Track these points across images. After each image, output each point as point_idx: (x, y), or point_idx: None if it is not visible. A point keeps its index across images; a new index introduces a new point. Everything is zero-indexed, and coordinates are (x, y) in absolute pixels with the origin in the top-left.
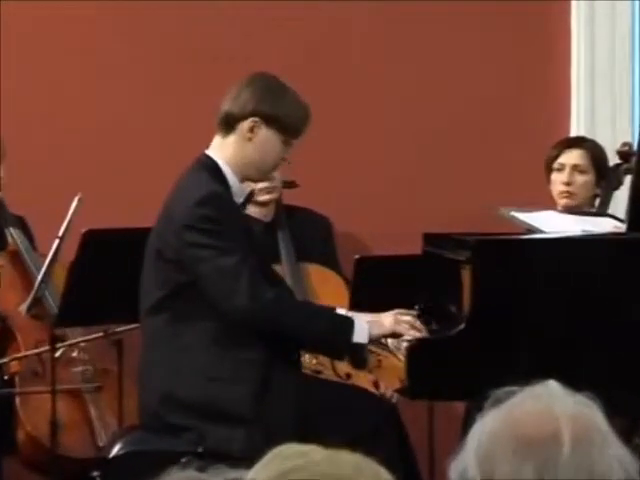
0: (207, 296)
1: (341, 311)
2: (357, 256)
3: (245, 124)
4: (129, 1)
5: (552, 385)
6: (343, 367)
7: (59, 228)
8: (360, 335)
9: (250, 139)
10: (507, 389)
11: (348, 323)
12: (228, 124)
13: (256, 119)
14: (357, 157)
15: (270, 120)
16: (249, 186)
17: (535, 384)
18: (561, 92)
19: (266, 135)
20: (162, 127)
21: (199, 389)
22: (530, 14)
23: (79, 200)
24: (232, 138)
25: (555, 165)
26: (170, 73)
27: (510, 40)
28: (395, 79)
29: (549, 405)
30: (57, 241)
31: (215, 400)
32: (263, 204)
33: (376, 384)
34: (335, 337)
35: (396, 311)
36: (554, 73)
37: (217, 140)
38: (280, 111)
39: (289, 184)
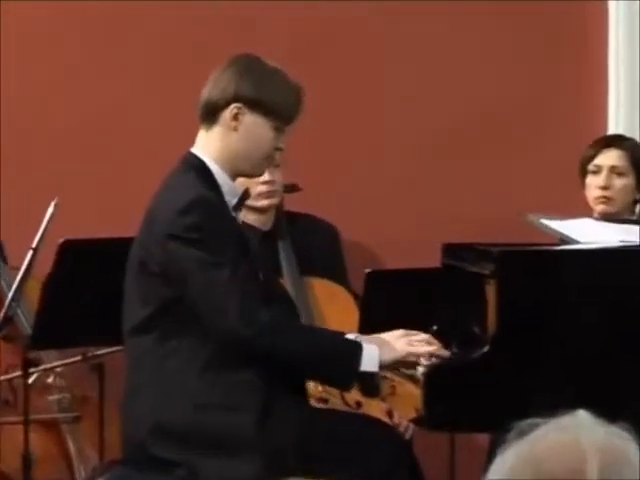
0: (198, 314)
1: (350, 336)
2: (368, 269)
3: (227, 112)
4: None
5: (581, 415)
6: (353, 395)
7: (33, 238)
8: (369, 363)
9: (235, 128)
10: (531, 421)
11: (355, 350)
12: (209, 114)
13: (239, 105)
14: (367, 157)
15: (254, 104)
16: (242, 184)
17: (563, 414)
18: (597, 90)
19: (252, 122)
20: (147, 126)
21: (191, 417)
22: (565, 14)
23: (55, 206)
24: (216, 130)
25: (591, 167)
26: (156, 72)
27: (543, 40)
28: (416, 76)
29: (576, 437)
30: (30, 252)
31: (209, 429)
32: (261, 210)
33: (390, 414)
34: (340, 367)
35: (406, 332)
36: (590, 71)
37: (201, 135)
38: (264, 93)
39: (290, 188)
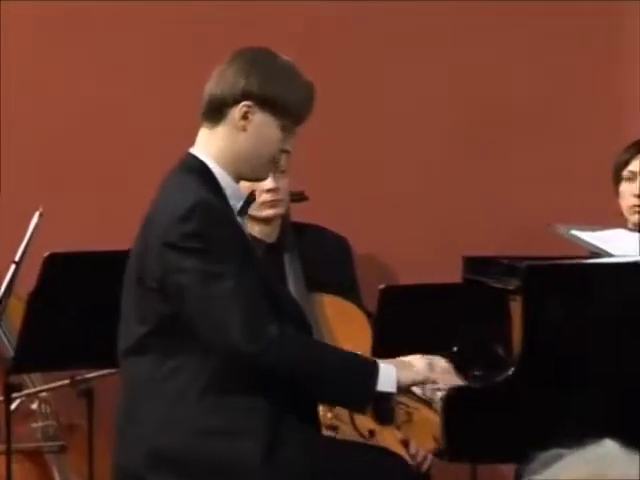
0: (196, 331)
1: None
2: (382, 285)
3: (236, 111)
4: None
5: (608, 445)
6: (365, 422)
7: (15, 251)
8: (386, 383)
9: (244, 128)
10: (555, 451)
11: (371, 368)
12: (214, 112)
13: (249, 103)
14: (379, 163)
15: (264, 102)
16: (247, 188)
17: (590, 443)
18: (630, 92)
19: (261, 121)
20: (139, 131)
21: (191, 444)
22: (600, 15)
23: (40, 215)
24: (220, 129)
25: (625, 173)
26: (151, 76)
27: (572, 41)
28: (432, 81)
29: (601, 468)
30: (13, 267)
31: (211, 457)
32: (265, 221)
33: (405, 443)
34: (355, 386)
35: (427, 357)
36: (622, 72)
37: (203, 133)
38: (274, 90)
39: (297, 196)
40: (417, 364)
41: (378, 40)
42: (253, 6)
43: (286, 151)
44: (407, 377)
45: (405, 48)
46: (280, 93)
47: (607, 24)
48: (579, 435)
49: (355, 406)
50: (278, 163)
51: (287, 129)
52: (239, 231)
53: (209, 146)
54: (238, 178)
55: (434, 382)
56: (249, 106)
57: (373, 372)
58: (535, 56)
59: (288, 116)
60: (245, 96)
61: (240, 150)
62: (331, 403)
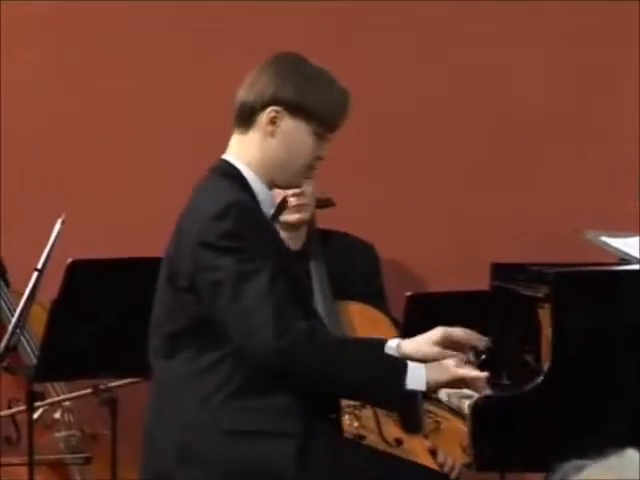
0: (226, 330)
1: (390, 343)
2: (409, 293)
3: (264, 116)
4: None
5: (629, 455)
6: (392, 431)
7: (38, 258)
8: (415, 381)
9: (272, 133)
10: (578, 462)
11: (401, 366)
12: (245, 118)
13: (277, 108)
14: (407, 170)
15: (295, 108)
16: (279, 194)
17: (612, 454)
18: None
19: (292, 127)
20: (161, 139)
21: (224, 445)
22: (620, 15)
23: (62, 223)
24: (251, 135)
25: None
26: (173, 78)
27: (600, 48)
28: (459, 86)
29: (623, 475)
30: (35, 275)
31: (244, 459)
32: (291, 226)
33: (433, 452)
34: (385, 382)
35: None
36: None
37: (234, 139)
38: (306, 96)
39: (324, 202)
40: (447, 363)
41: (405, 44)
42: (261, 7)
43: (320, 158)
44: (436, 376)
45: (434, 53)
46: (314, 100)
47: (627, 25)
48: (611, 445)
49: (385, 403)
50: (313, 170)
51: (321, 136)
52: (272, 231)
53: (241, 152)
54: (271, 185)
55: (463, 382)
56: (277, 111)
57: (402, 370)
58: (555, 67)
59: (322, 123)
60: (274, 101)
61: (272, 157)
62: (360, 399)
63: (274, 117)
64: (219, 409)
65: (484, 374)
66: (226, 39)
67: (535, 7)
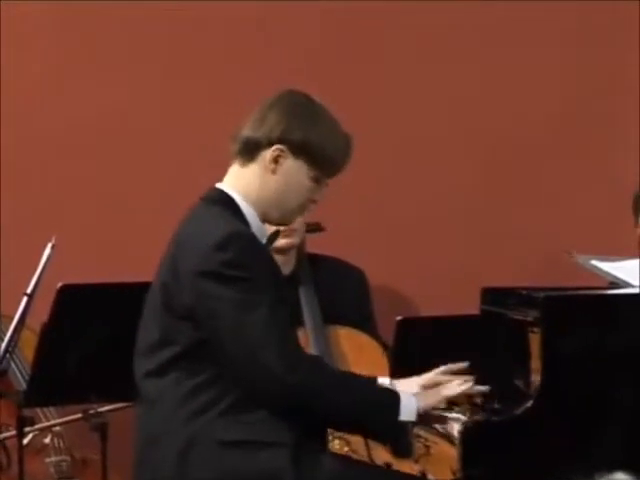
0: (226, 358)
1: (382, 380)
2: (399, 317)
3: (268, 153)
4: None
5: (619, 478)
6: (382, 455)
7: (27, 283)
8: (407, 412)
9: (273, 171)
10: None
11: (393, 398)
12: (248, 152)
13: (282, 147)
14: (397, 196)
15: (299, 150)
16: (270, 228)
17: (602, 477)
18: None
19: (293, 167)
20: (157, 160)
21: (223, 456)
22: (620, 34)
23: (53, 247)
24: (251, 168)
25: None
26: (171, 98)
27: (598, 68)
28: (449, 109)
29: None
30: (25, 299)
31: (245, 469)
32: (279, 251)
33: (423, 476)
34: (380, 416)
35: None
36: None
37: (233, 170)
38: (312, 139)
39: (314, 227)
40: (432, 388)
41: (399, 63)
42: (264, 19)
43: (314, 201)
44: (425, 403)
45: (422, 77)
46: (318, 144)
47: (627, 25)
48: (594, 468)
49: (378, 436)
50: (304, 212)
51: (319, 180)
52: (272, 260)
53: (238, 182)
54: (263, 219)
55: (450, 399)
56: (282, 150)
57: (395, 403)
58: (552, 86)
59: (322, 167)
60: (281, 140)
61: (269, 193)
62: (354, 432)
63: (278, 156)
64: (213, 422)
65: (468, 385)
66: (227, 57)
67: (535, 9)
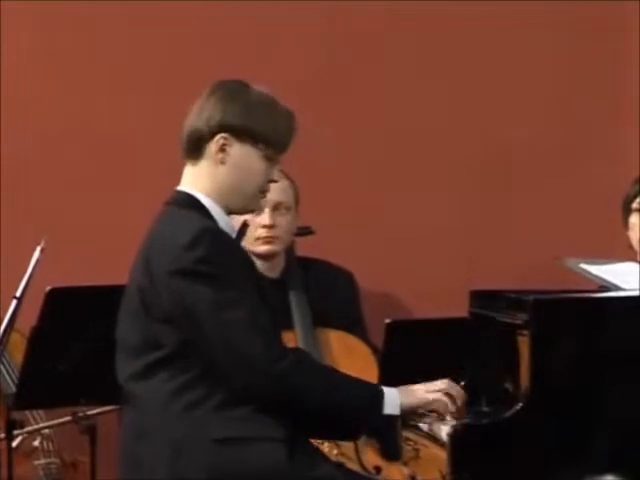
0: (212, 357)
1: None
2: (388, 320)
3: (213, 144)
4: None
5: None
6: (372, 459)
7: (17, 286)
8: (391, 406)
9: (222, 161)
10: None
11: (377, 392)
12: (194, 147)
13: (225, 135)
14: (387, 198)
15: (242, 133)
16: (237, 220)
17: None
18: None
19: (241, 152)
20: (144, 162)
21: (217, 454)
22: (612, 54)
23: (42, 250)
24: (203, 164)
25: (635, 205)
26: (161, 103)
27: (585, 77)
28: (441, 114)
29: None
30: (14, 302)
31: (240, 465)
32: (262, 257)
33: (413, 479)
34: (364, 409)
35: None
36: (630, 103)
37: (187, 170)
38: (253, 120)
39: (303, 230)
40: (417, 390)
41: (390, 72)
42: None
43: (273, 181)
44: (408, 401)
45: (416, 84)
46: (259, 124)
47: (617, 60)
48: (584, 472)
49: (364, 429)
50: (266, 193)
51: (271, 159)
52: (246, 256)
53: (195, 182)
54: (228, 211)
55: (436, 409)
56: (225, 138)
57: (379, 397)
58: (542, 94)
59: (269, 146)
60: (222, 128)
61: (225, 184)
62: (337, 425)
63: (223, 144)
64: (205, 419)
65: (452, 399)
66: (226, 58)
67: (534, 9)
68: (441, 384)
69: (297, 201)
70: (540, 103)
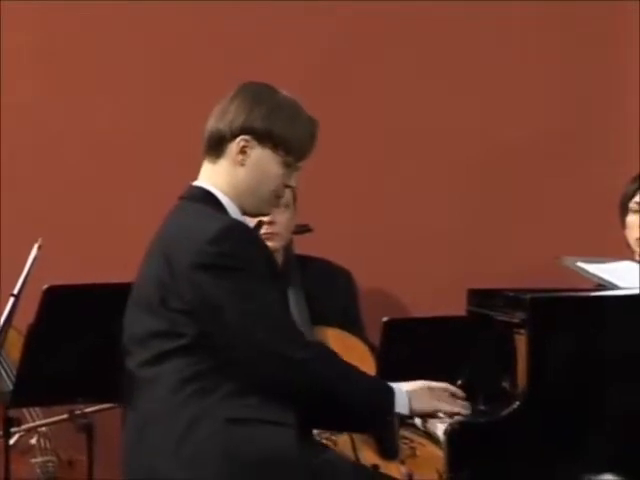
0: (237, 348)
1: None
2: (385, 318)
3: (234, 145)
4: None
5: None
6: (369, 457)
7: (14, 284)
8: (401, 405)
9: (242, 162)
10: None
11: (389, 390)
12: (215, 147)
13: (247, 137)
14: (385, 197)
15: (264, 137)
16: (252, 220)
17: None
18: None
19: (261, 156)
20: (142, 161)
21: (228, 433)
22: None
23: (39, 248)
24: (222, 163)
25: (632, 205)
26: (156, 101)
27: (584, 74)
28: (439, 115)
29: None
30: (12, 300)
31: (251, 445)
32: None
33: (410, 477)
34: (378, 403)
35: (429, 384)
36: (630, 104)
37: (205, 167)
38: (275, 125)
39: (301, 228)
40: (426, 395)
41: (389, 75)
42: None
43: (289, 186)
44: (419, 405)
45: (416, 83)
46: (282, 129)
47: (616, 61)
48: (582, 471)
49: (374, 423)
50: (281, 199)
51: (289, 165)
52: (268, 252)
53: (213, 179)
54: (242, 211)
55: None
56: (247, 140)
57: (390, 394)
58: (542, 95)
59: (289, 152)
60: (244, 131)
61: (241, 185)
62: (351, 420)
63: (244, 146)
64: (213, 404)
65: (464, 410)
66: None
67: (533, 10)
68: (446, 387)
69: (295, 198)
70: (540, 103)
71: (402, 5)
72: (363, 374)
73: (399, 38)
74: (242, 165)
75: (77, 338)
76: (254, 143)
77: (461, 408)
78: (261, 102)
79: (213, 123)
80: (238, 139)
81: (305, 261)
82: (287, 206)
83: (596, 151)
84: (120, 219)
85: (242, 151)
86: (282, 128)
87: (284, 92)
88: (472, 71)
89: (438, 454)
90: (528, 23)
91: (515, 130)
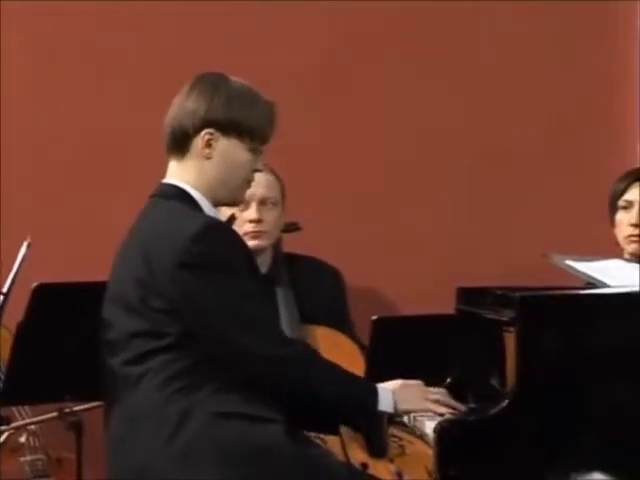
0: (223, 345)
1: None
2: (374, 316)
3: (199, 140)
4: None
5: (598, 478)
6: (358, 455)
7: (3, 282)
8: (385, 403)
9: (209, 156)
10: None
11: (372, 387)
12: (180, 143)
13: (211, 130)
14: (374, 195)
15: (227, 127)
16: (223, 213)
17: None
18: (629, 118)
19: (227, 146)
20: (131, 159)
21: (218, 426)
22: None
23: (28, 246)
24: (189, 159)
25: (621, 203)
26: (146, 100)
27: (573, 71)
28: (431, 111)
29: None
30: (1, 298)
31: (240, 439)
32: (253, 252)
33: (399, 476)
34: (360, 402)
35: (419, 384)
36: (621, 98)
37: (173, 165)
38: (237, 114)
39: (290, 227)
40: (414, 394)
41: (380, 73)
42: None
43: (258, 170)
44: (404, 405)
45: (408, 81)
46: (243, 116)
47: (610, 63)
48: (571, 469)
49: (356, 422)
50: (251, 182)
51: (255, 150)
52: (248, 250)
53: (182, 175)
54: (215, 204)
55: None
56: (211, 133)
57: (374, 393)
58: (531, 94)
59: (254, 138)
60: (207, 124)
61: (211, 178)
62: (334, 416)
63: (209, 139)
64: (200, 399)
65: (448, 410)
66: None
67: (532, 10)
68: (437, 391)
69: (283, 196)
70: (537, 103)
71: (402, 5)
72: (346, 373)
73: (398, 38)
74: (209, 158)
75: (67, 336)
76: (218, 135)
77: (447, 409)
78: (219, 92)
79: (173, 119)
80: (202, 133)
81: (293, 259)
82: (275, 204)
83: (595, 151)
84: (109, 218)
85: (208, 144)
86: (243, 115)
87: (237, 79)
88: (468, 70)
89: (427, 452)
90: (526, 23)
91: (504, 130)
